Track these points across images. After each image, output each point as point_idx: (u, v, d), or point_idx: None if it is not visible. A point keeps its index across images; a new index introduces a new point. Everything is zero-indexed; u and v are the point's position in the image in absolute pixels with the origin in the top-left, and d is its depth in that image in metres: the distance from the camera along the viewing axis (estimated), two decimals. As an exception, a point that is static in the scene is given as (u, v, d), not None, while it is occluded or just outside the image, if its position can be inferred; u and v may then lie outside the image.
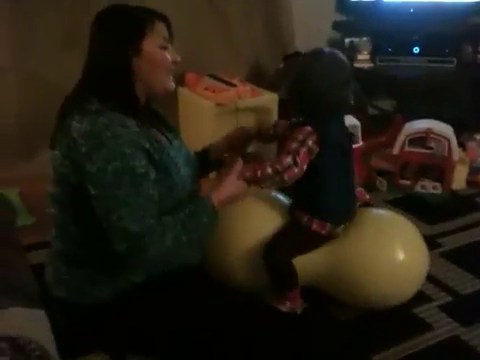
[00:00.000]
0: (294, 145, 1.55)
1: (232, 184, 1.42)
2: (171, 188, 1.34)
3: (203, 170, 1.61)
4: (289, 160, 1.52)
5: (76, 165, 1.25)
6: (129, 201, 1.22)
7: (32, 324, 1.03)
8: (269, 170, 1.50)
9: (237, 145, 1.67)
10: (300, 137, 1.55)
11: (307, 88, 1.57)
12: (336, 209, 1.67)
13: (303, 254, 1.68)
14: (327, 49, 1.65)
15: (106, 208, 1.23)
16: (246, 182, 1.46)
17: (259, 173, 1.49)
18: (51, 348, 0.99)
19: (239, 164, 1.44)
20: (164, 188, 1.32)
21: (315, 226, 1.64)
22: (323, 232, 1.65)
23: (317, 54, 1.61)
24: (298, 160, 1.53)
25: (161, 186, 1.31)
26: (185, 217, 1.31)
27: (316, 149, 1.57)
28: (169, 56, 1.35)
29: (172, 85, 1.39)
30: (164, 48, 1.34)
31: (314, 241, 1.69)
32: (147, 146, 1.28)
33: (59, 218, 1.35)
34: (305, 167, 1.56)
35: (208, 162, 1.65)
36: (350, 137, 1.76)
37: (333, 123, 1.63)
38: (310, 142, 1.55)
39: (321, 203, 1.64)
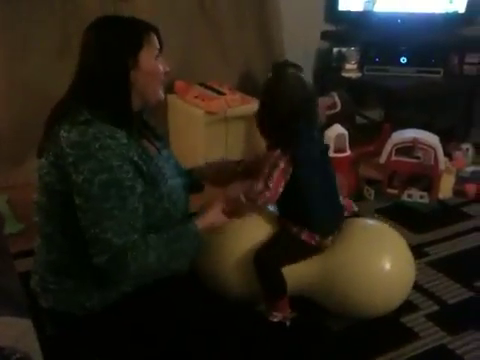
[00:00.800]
0: (266, 170, 1.58)
1: (216, 216, 1.47)
2: (158, 199, 1.34)
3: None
4: (260, 186, 1.56)
5: (63, 174, 1.25)
6: (114, 214, 1.22)
7: (18, 334, 1.02)
8: (242, 198, 1.54)
9: (221, 178, 1.69)
10: (271, 160, 1.58)
11: (272, 113, 1.59)
12: (323, 221, 1.68)
13: (292, 263, 1.68)
14: (289, 70, 1.64)
15: (90, 219, 1.22)
16: (227, 214, 1.51)
17: (235, 205, 1.54)
18: (37, 358, 0.99)
19: (222, 198, 1.50)
20: (151, 199, 1.32)
21: (304, 236, 1.66)
22: (312, 242, 1.67)
23: (276, 78, 1.62)
24: (270, 184, 1.56)
25: (148, 197, 1.31)
26: (169, 238, 1.32)
27: (290, 169, 1.58)
28: (162, 66, 1.37)
29: (162, 95, 1.41)
30: (157, 59, 1.36)
31: (303, 251, 1.69)
32: (135, 158, 1.28)
33: (44, 227, 1.35)
34: (280, 189, 1.58)
35: (190, 183, 1.66)
36: (327, 149, 1.77)
37: (304, 140, 1.62)
38: (282, 164, 1.57)
39: (308, 216, 1.65)
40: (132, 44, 1.31)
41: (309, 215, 1.65)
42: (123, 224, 1.23)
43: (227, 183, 1.65)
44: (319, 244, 1.68)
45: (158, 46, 1.37)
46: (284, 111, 1.57)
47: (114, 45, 1.30)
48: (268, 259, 1.65)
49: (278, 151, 1.58)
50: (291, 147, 1.58)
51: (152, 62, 1.34)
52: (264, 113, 1.62)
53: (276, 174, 1.57)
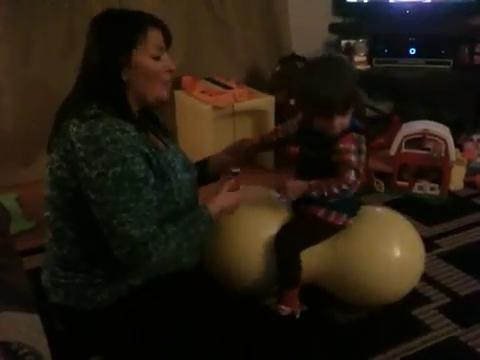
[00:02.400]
0: (353, 158, 1.54)
1: (225, 197, 1.46)
2: (168, 193, 1.34)
3: (201, 181, 1.61)
4: (353, 177, 1.53)
5: (73, 168, 1.25)
6: (130, 206, 1.22)
7: (25, 329, 1.02)
8: (335, 190, 1.54)
9: (240, 156, 1.68)
10: (353, 147, 1.54)
11: (352, 90, 1.53)
12: (354, 203, 1.71)
13: (315, 244, 1.69)
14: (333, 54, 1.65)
15: (107, 213, 1.22)
16: (307, 192, 1.56)
17: (326, 192, 1.55)
18: (45, 353, 0.99)
19: (231, 181, 1.49)
20: (161, 193, 1.32)
21: (332, 218, 1.66)
22: (340, 223, 1.68)
23: (341, 60, 1.58)
24: (360, 170, 1.55)
25: (158, 191, 1.31)
26: (185, 225, 1.32)
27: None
28: (162, 65, 1.33)
29: (164, 94, 1.37)
30: (157, 58, 1.32)
31: (328, 232, 1.70)
32: (146, 151, 1.28)
33: (55, 221, 1.35)
34: None
35: (206, 173, 1.66)
36: None
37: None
38: (364, 146, 1.56)
39: (347, 200, 1.63)
40: (125, 41, 1.28)
41: (349, 199, 1.63)
42: (140, 216, 1.23)
43: (245, 160, 1.66)
44: (345, 224, 1.69)
45: (160, 43, 1.33)
46: (356, 87, 1.55)
47: (108, 40, 1.28)
48: (291, 245, 1.64)
49: (353, 134, 1.55)
50: (358, 124, 1.56)
51: (146, 61, 1.31)
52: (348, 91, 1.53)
53: (363, 158, 1.55)
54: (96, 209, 1.24)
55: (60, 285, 1.36)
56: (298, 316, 1.68)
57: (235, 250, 1.71)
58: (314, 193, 1.57)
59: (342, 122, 1.55)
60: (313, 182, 1.58)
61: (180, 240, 1.29)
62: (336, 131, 1.55)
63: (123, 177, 1.21)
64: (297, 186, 1.59)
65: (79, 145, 1.22)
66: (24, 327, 1.02)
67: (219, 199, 1.44)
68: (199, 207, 1.41)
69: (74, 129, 1.24)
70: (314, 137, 1.61)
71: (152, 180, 1.28)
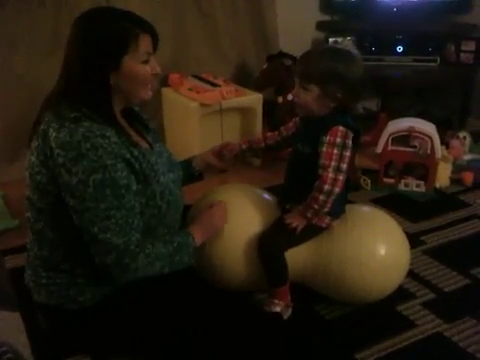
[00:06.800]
0: (336, 151, 1.50)
1: (211, 226, 1.54)
2: (150, 197, 1.33)
3: (184, 180, 1.59)
4: (331, 174, 1.49)
5: (53, 174, 1.23)
6: (111, 214, 1.21)
7: (4, 327, 1.01)
8: (322, 197, 1.51)
9: (225, 159, 1.69)
10: (338, 141, 1.50)
11: (344, 80, 1.49)
12: (340, 204, 1.67)
13: (298, 245, 1.67)
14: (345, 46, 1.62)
15: (87, 220, 1.21)
16: (308, 220, 1.57)
17: (316, 206, 1.52)
18: (25, 351, 0.98)
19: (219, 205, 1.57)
20: (143, 197, 1.31)
21: (316, 220, 1.63)
22: (323, 225, 1.65)
23: (349, 52, 1.56)
24: (343, 166, 1.50)
25: (140, 195, 1.30)
26: (174, 251, 1.33)
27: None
28: (150, 69, 1.31)
29: (149, 95, 1.36)
30: (146, 62, 1.30)
31: (311, 233, 1.67)
32: (127, 156, 1.26)
33: (36, 223, 1.33)
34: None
35: (190, 173, 1.65)
36: None
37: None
38: (350, 142, 1.51)
39: (335, 201, 1.59)
40: (115, 47, 1.24)
41: (337, 200, 1.58)
42: (121, 223, 1.22)
43: (230, 162, 1.67)
44: (328, 226, 1.66)
45: (149, 49, 1.30)
46: (359, 76, 1.51)
47: (97, 44, 1.23)
48: (274, 246, 1.62)
49: (341, 128, 1.50)
50: (349, 122, 1.51)
51: (136, 68, 1.28)
52: (332, 83, 1.49)
53: (347, 154, 1.50)
54: (76, 215, 1.22)
55: (42, 285, 1.35)
56: (290, 312, 1.67)
57: (221, 248, 1.70)
58: (308, 214, 1.56)
59: (300, 95, 1.52)
60: (301, 206, 1.56)
61: (164, 264, 1.31)
62: (296, 101, 1.54)
63: (104, 184, 1.20)
64: (293, 216, 1.59)
65: (58, 151, 1.20)
66: (4, 325, 1.01)
67: (206, 229, 1.50)
68: (188, 236, 1.41)
69: (53, 134, 1.21)
70: (306, 131, 1.59)
71: (134, 186, 1.27)
